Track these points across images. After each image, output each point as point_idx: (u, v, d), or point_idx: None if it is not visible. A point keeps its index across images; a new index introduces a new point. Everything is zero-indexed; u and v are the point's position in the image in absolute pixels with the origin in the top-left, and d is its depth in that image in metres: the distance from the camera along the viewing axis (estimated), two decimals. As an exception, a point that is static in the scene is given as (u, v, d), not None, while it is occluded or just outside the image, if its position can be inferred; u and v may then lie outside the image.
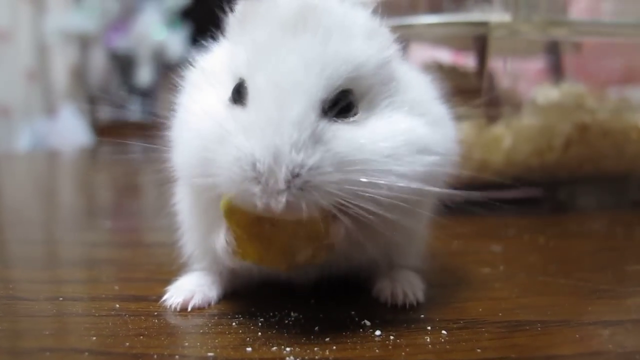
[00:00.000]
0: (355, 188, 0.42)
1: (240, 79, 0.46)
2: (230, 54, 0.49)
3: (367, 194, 0.42)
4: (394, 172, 0.44)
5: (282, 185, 0.40)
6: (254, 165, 0.41)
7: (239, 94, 0.46)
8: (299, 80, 0.42)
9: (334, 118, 0.44)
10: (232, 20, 0.51)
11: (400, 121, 0.47)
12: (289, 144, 0.41)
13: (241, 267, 0.52)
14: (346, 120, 0.45)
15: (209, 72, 0.51)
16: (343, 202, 0.42)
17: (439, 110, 0.52)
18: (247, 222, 0.45)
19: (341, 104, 0.44)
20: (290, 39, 0.44)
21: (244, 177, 0.41)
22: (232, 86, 0.47)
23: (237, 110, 0.45)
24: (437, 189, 0.47)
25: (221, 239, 0.47)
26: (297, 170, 0.41)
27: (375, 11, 0.50)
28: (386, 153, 0.44)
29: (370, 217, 0.43)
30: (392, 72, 0.49)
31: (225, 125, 0.43)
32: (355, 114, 0.45)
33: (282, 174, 0.40)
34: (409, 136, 0.46)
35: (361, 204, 0.42)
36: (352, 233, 0.45)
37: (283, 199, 0.40)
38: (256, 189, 0.41)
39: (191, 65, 0.53)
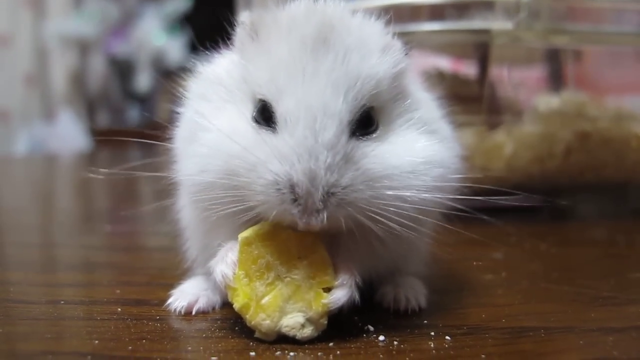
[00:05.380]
0: (383, 202, 0.45)
1: (262, 99, 0.46)
2: (243, 69, 0.49)
3: (392, 207, 0.44)
4: (414, 185, 0.46)
5: (319, 204, 0.43)
6: (292, 188, 0.42)
7: (264, 116, 0.46)
8: (329, 103, 0.44)
9: (359, 136, 0.46)
10: (242, 33, 0.50)
11: (417, 137, 0.49)
12: (324, 167, 0.42)
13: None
14: (370, 137, 0.47)
15: (216, 85, 0.50)
16: (372, 215, 0.44)
17: (446, 128, 0.54)
18: (252, 265, 0.46)
19: (365, 122, 0.46)
20: (314, 59, 0.45)
21: (282, 200, 0.43)
22: (249, 104, 0.48)
23: (266, 133, 0.45)
24: (450, 199, 0.50)
25: (218, 270, 0.47)
26: (332, 190, 0.43)
27: (388, 23, 0.51)
28: (408, 168, 0.46)
29: (393, 229, 0.45)
30: (405, 87, 0.51)
31: (256, 151, 0.44)
32: (376, 130, 0.47)
33: (319, 194, 0.42)
34: (426, 152, 0.48)
35: (386, 216, 0.44)
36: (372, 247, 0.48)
37: (322, 216, 0.43)
38: (295, 210, 0.43)
39: (193, 74, 0.53)
